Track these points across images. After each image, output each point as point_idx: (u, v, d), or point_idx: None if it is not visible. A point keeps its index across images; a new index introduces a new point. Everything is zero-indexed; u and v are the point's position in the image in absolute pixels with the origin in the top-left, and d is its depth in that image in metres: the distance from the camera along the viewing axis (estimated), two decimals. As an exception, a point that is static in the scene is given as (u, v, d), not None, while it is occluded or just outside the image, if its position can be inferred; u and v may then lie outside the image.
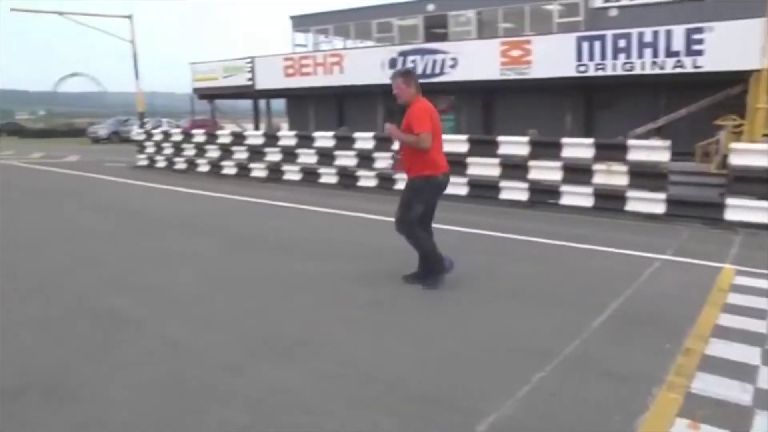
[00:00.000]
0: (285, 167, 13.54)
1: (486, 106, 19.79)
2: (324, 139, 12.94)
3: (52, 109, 69.99)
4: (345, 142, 12.46)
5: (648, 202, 8.58)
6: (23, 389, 3.43)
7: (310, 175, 12.97)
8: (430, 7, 22.13)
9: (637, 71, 14.97)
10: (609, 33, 15.41)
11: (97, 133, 39.21)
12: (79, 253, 6.96)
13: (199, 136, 16.39)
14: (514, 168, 9.88)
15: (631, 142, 9.16)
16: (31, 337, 4.29)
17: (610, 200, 8.95)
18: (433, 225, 5.49)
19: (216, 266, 6.23)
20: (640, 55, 14.83)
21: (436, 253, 5.35)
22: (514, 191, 9.84)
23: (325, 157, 12.73)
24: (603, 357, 3.72)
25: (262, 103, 26.59)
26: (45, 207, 11.14)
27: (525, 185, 9.73)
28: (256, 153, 14.36)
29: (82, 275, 5.98)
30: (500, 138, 10.28)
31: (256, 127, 24.21)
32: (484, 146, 10.34)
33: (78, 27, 20.70)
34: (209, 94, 26.87)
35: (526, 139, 9.84)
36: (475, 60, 17.62)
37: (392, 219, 5.36)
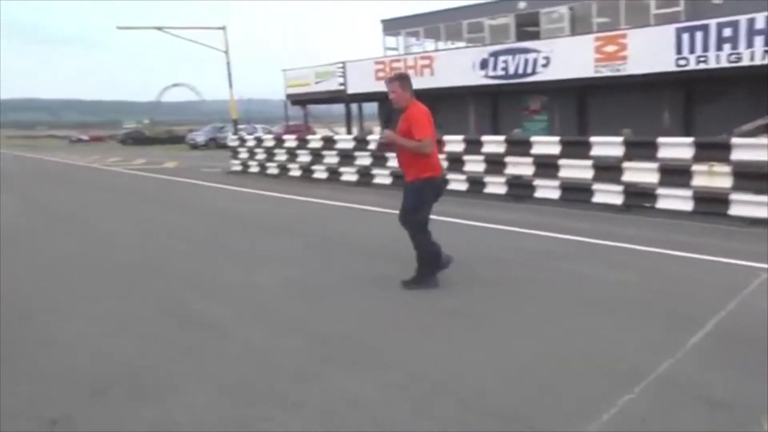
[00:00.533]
0: (375, 171, 13.61)
1: (579, 105, 19.15)
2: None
3: (155, 117, 73.97)
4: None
5: (754, 206, 7.96)
6: (109, 385, 3.58)
7: (399, 179, 12.92)
8: (522, 5, 21.69)
9: (745, 62, 14.02)
10: (713, 22, 14.50)
11: (195, 140, 41.05)
12: (169, 254, 7.30)
13: (291, 141, 16.77)
14: (608, 170, 9.45)
15: (735, 140, 8.56)
16: (119, 334, 4.51)
17: (711, 204, 8.37)
18: (526, 230, 5.39)
19: (300, 270, 6.30)
20: (750, 45, 13.88)
21: (436, 254, 5.41)
22: (608, 194, 9.41)
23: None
24: (700, 380, 3.41)
25: (354, 107, 26.94)
26: (141, 210, 11.73)
27: (619, 188, 9.28)
28: (346, 157, 14.51)
29: (171, 275, 6.25)
30: (593, 138, 9.89)
31: (349, 132, 24.56)
32: (575, 147, 9.98)
33: (177, 40, 21.78)
34: (302, 100, 27.52)
35: (619, 139, 9.43)
36: (568, 58, 17.12)
37: (483, 224, 5.28)
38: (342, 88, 24.16)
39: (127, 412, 3.26)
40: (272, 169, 17.16)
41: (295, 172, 16.17)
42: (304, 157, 15.98)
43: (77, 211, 12.19)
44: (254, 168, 18.06)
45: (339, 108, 28.40)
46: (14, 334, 4.61)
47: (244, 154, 18.78)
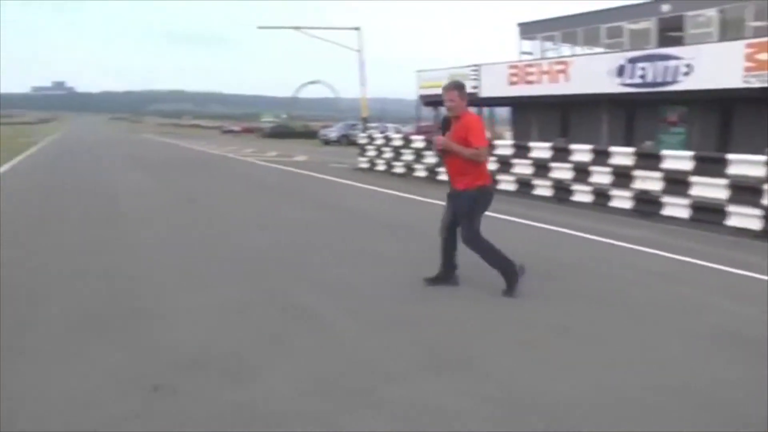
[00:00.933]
0: (499, 177, 13.62)
1: (722, 119, 17.96)
2: (540, 149, 12.84)
3: (291, 112, 77.31)
4: (562, 153, 12.25)
5: None
6: (207, 363, 3.96)
7: (523, 186, 12.91)
8: (665, 7, 20.64)
9: None
10: None
11: (328, 136, 42.64)
12: (284, 245, 7.75)
13: (418, 141, 17.12)
14: (746, 191, 8.90)
15: None
16: (222, 317, 4.92)
17: None
18: (648, 249, 5.29)
19: (409, 270, 6.41)
20: None
21: (505, 256, 5.53)
22: (744, 218, 8.78)
23: (541, 168, 12.59)
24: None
25: (486, 111, 26.91)
26: (264, 200, 12.49)
27: (758, 212, 8.60)
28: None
29: (283, 266, 6.64)
30: (730, 156, 9.32)
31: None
32: (710, 164, 9.44)
33: (314, 39, 22.88)
34: (433, 101, 27.78)
35: (763, 158, 8.86)
36: (713, 66, 16.09)
37: (602, 239, 5.24)
38: (475, 91, 24.19)
39: (217, 390, 3.57)
40: (398, 168, 17.58)
41: (421, 172, 16.49)
42: (430, 159, 16.27)
43: (206, 197, 13.28)
44: (381, 166, 18.58)
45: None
46: (128, 306, 5.16)
47: (371, 152, 19.38)
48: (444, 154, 5.70)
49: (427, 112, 30.56)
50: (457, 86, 5.58)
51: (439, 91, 24.21)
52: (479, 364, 4.02)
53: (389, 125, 40.62)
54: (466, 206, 5.52)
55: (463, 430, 3.14)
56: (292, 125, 62.39)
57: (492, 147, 14.44)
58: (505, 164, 13.48)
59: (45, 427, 3.11)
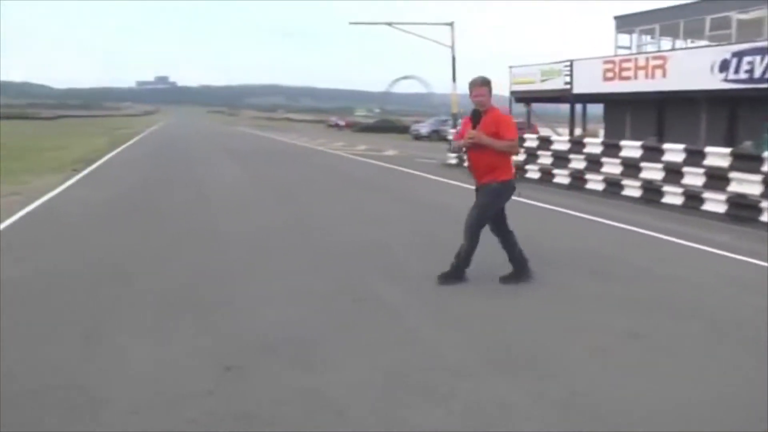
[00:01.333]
0: (588, 176, 13.35)
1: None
2: (630, 148, 12.47)
3: (384, 107, 77.91)
4: (652, 153, 11.86)
5: None
6: (277, 348, 4.20)
7: (612, 186, 12.58)
8: (781, -6, 19.34)
9: None
10: None
11: (419, 131, 42.69)
12: (362, 237, 7.98)
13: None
14: None
15: None
16: (296, 305, 5.20)
17: None
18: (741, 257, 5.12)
19: (485, 267, 6.31)
20: None
21: (470, 257, 5.80)
22: None
23: (631, 168, 12.23)
24: None
25: (579, 107, 26.23)
26: (348, 193, 12.79)
27: None
28: (560, 159, 14.40)
29: (360, 257, 6.85)
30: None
31: (571, 133, 24.04)
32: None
33: (406, 34, 22.92)
34: (525, 98, 27.36)
35: None
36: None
37: (692, 244, 5.08)
38: (567, 87, 23.65)
39: (286, 374, 3.79)
40: (486, 165, 17.51)
41: (508, 170, 16.35)
42: (518, 156, 16.12)
43: (291, 188, 13.79)
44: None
45: (563, 108, 27.79)
46: (211, 292, 5.50)
47: (461, 149, 19.40)
48: (472, 149, 5.79)
49: (519, 108, 30.07)
50: (485, 82, 5.77)
51: (530, 87, 23.89)
52: (545, 365, 4.05)
53: None
54: (489, 199, 5.78)
55: (521, 427, 3.21)
56: (393, 120, 62.95)
57: (522, 141, 14.18)
58: (593, 163, 13.17)
59: (129, 397, 3.45)
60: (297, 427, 3.18)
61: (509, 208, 6.06)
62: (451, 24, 22.48)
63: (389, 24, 24.10)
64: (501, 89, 32.37)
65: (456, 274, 5.88)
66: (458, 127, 5.80)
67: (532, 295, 5.63)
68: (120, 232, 8.25)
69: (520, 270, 5.95)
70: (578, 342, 4.50)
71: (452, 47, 22.21)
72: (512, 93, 27.89)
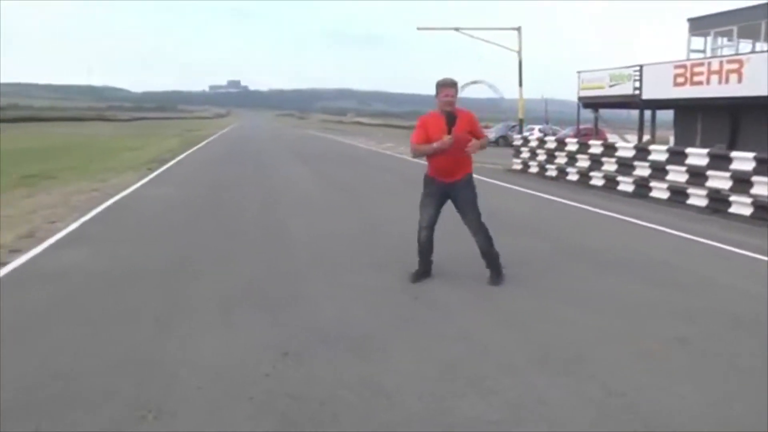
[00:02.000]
0: (652, 183, 13.10)
1: None
2: (696, 156, 12.17)
3: (454, 112, 77.68)
4: (720, 161, 11.54)
5: None
6: (336, 339, 4.43)
7: (677, 194, 12.29)
8: None
9: None
10: None
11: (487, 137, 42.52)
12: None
13: (572, 144, 16.82)
14: None
15: None
16: (357, 300, 5.46)
17: None
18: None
19: (537, 271, 6.56)
20: None
21: (494, 246, 6.20)
22: None
23: (697, 176, 11.93)
24: None
25: (648, 113, 25.63)
26: (409, 194, 12.84)
27: None
28: (624, 166, 14.17)
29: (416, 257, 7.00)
30: None
31: (640, 139, 23.54)
32: None
33: (474, 39, 22.87)
34: (593, 103, 26.93)
35: None
36: None
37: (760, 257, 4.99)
38: (636, 92, 23.17)
39: (342, 362, 4.02)
40: (551, 171, 17.37)
41: (573, 176, 16.20)
42: (582, 162, 15.96)
43: (356, 189, 14.16)
44: (533, 168, 18.44)
45: (632, 113, 27.17)
46: (271, 287, 5.76)
47: (525, 154, 19.29)
48: (450, 148, 5.80)
49: (587, 113, 29.58)
50: (454, 83, 5.87)
51: (598, 92, 23.43)
52: (587, 365, 4.10)
53: (555, 127, 39.75)
54: (473, 190, 6.13)
55: (557, 423, 3.31)
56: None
57: (587, 147, 13.90)
58: (658, 170, 12.93)
59: (194, 375, 3.75)
60: (348, 408, 3.38)
61: (574, 217, 6.08)
62: (518, 29, 22.37)
63: (456, 29, 24.13)
64: (569, 94, 31.93)
65: (496, 269, 6.12)
66: (449, 138, 5.69)
67: (585, 299, 5.66)
68: (190, 229, 8.71)
69: (429, 269, 6.30)
70: (625, 346, 4.51)
71: (519, 52, 22.09)
72: (580, 99, 27.49)
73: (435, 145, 5.81)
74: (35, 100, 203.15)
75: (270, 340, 4.40)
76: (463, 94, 76.59)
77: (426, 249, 6.21)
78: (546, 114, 62.73)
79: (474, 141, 5.88)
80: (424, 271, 6.22)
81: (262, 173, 17.12)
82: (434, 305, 5.37)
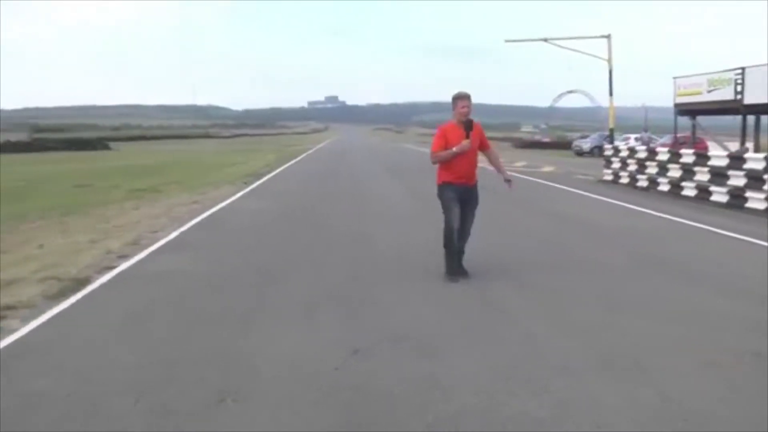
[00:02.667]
0: (748, 194, 12.58)
1: None
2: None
3: (550, 122, 76.54)
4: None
5: None
6: (402, 339, 4.73)
7: (776, 204, 11.77)
8: None
9: None
10: None
11: (581, 147, 41.50)
12: (497, 247, 8.38)
13: (662, 153, 16.40)
14: None
15: None
16: (426, 304, 5.74)
17: None
18: None
19: (610, 281, 6.62)
20: None
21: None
22: None
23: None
24: None
25: (750, 119, 24.45)
26: (494, 206, 12.90)
27: None
28: (717, 175, 13.69)
29: (492, 266, 7.16)
30: None
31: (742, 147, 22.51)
32: None
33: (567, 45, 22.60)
34: (690, 110, 25.99)
35: None
36: None
37: None
38: (738, 97, 22.19)
39: (406, 360, 4.32)
40: (642, 181, 17.00)
41: (664, 186, 15.79)
42: (674, 172, 15.53)
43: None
44: (624, 179, 18.09)
45: (733, 120, 25.90)
46: (352, 292, 6.11)
47: (616, 164, 18.94)
48: (463, 155, 6.48)
49: (684, 121, 28.46)
50: (468, 95, 6.52)
51: (695, 99, 22.67)
52: (647, 372, 4.15)
53: (653, 136, 38.29)
54: (477, 198, 6.82)
55: (607, 425, 3.42)
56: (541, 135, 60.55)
57: (678, 156, 13.36)
58: (754, 180, 12.42)
59: (270, 367, 4.16)
60: (406, 400, 3.66)
61: (657, 228, 6.09)
62: (608, 36, 22.02)
63: (545, 40, 24.05)
64: (664, 100, 30.83)
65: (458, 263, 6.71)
66: (468, 141, 6.46)
67: (656, 309, 5.67)
68: (280, 237, 9.31)
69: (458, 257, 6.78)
70: (690, 355, 4.50)
71: (609, 60, 21.73)
72: (676, 105, 26.58)
73: (455, 149, 6.42)
74: (145, 119, 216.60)
75: (343, 339, 4.76)
76: (560, 103, 74.92)
77: (454, 246, 6.69)
78: (645, 122, 60.66)
79: (500, 167, 6.98)
80: (457, 268, 6.70)
81: (351, 186, 17.72)
82: (502, 311, 5.58)
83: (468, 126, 6.42)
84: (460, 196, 6.61)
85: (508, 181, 6.91)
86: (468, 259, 6.92)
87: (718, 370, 4.23)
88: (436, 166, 6.75)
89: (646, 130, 36.49)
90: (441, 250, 6.83)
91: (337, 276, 6.88)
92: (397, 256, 7.93)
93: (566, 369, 4.20)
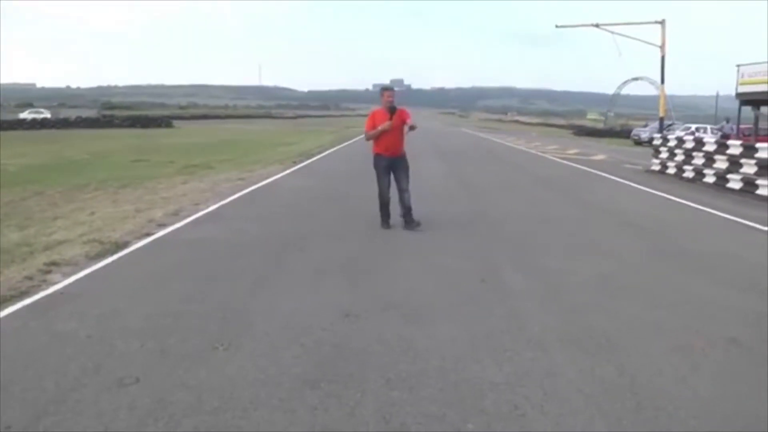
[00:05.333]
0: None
1: None
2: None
3: (614, 110, 74.83)
4: None
5: None
6: (395, 307, 4.96)
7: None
8: None
9: None
10: None
11: (639, 136, 40.53)
12: (522, 233, 8.54)
13: (709, 144, 16.11)
14: None
15: None
16: (431, 278, 5.84)
17: None
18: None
19: (615, 268, 6.74)
20: None
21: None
22: None
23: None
24: None
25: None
26: (536, 193, 13.08)
27: None
28: (765, 168, 13.44)
29: (508, 248, 7.29)
30: None
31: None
32: None
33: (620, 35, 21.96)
34: (754, 99, 25.09)
35: None
36: None
37: None
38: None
39: (391, 325, 4.63)
40: (688, 172, 16.75)
41: (710, 178, 15.55)
42: (720, 164, 15.27)
43: (481, 183, 14.73)
44: (671, 169, 17.83)
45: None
46: (362, 264, 6.41)
47: (664, 154, 18.66)
48: (389, 133, 8.39)
49: (747, 111, 27.38)
50: (392, 88, 8.77)
51: (760, 88, 21.64)
52: (616, 351, 4.40)
53: (732, 126, 36.68)
54: (407, 165, 8.70)
55: (562, 395, 3.75)
56: (605, 123, 59.42)
57: (725, 147, 13.08)
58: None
59: (266, 324, 4.63)
60: (376, 357, 4.07)
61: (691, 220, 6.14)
62: (662, 22, 21.46)
63: (596, 25, 23.65)
64: (726, 88, 29.43)
65: (410, 218, 8.48)
66: (390, 122, 8.36)
67: (651, 295, 5.81)
68: (313, 212, 9.82)
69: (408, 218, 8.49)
70: (665, 339, 4.64)
71: (662, 47, 21.22)
72: (738, 95, 25.69)
73: (380, 127, 8.39)
74: (211, 99, 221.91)
75: (340, 304, 5.20)
76: (625, 90, 72.66)
77: (387, 205, 8.58)
78: (715, 112, 58.36)
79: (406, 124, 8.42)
80: (388, 221, 8.57)
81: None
82: (498, 289, 5.85)
83: (391, 111, 8.36)
84: (390, 164, 8.57)
85: (412, 128, 8.40)
86: (484, 244, 7.15)
87: (686, 353, 4.39)
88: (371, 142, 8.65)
89: (728, 120, 34.43)
90: (459, 231, 7.46)
91: (355, 246, 7.43)
92: (416, 233, 8.28)
93: (539, 342, 4.47)
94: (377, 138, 8.48)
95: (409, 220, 8.47)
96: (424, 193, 11.39)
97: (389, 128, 8.35)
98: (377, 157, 8.60)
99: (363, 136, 9.61)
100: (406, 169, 8.65)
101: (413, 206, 8.54)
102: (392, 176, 8.58)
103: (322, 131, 45.90)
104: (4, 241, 7.43)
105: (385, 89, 8.61)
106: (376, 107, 8.80)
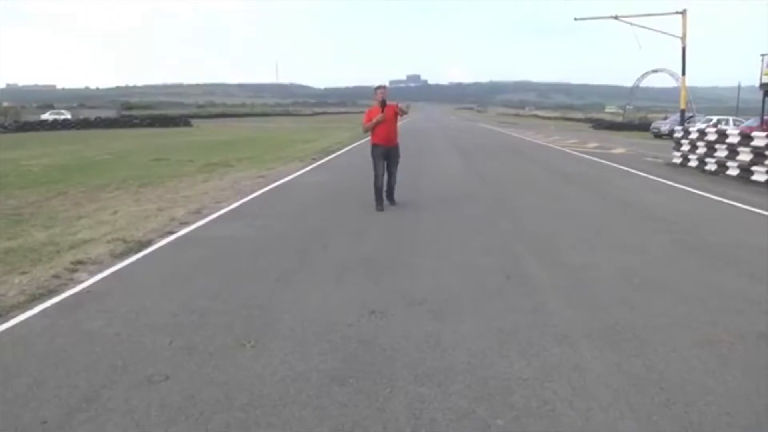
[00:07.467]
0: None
1: None
2: None
3: (633, 103, 74.06)
4: None
5: None
6: (420, 303, 5.03)
7: None
8: None
9: None
10: None
11: (659, 129, 40.03)
12: (540, 227, 8.34)
13: (733, 136, 15.89)
14: None
15: None
16: (457, 274, 5.80)
17: None
18: None
19: (638, 262, 6.67)
20: None
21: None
22: None
23: None
24: None
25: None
26: (553, 186, 12.96)
27: None
28: (791, 160, 13.25)
29: (532, 243, 7.26)
30: None
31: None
32: None
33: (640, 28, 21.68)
34: (776, 91, 24.68)
35: None
36: None
37: None
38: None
39: (417, 321, 4.61)
40: (710, 165, 16.55)
41: (733, 170, 15.34)
42: (744, 156, 15.05)
43: (500, 178, 14.71)
44: (693, 162, 17.62)
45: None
46: (385, 260, 6.41)
47: (685, 147, 18.44)
48: (384, 124, 9.74)
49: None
50: (383, 86, 10.10)
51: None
52: (641, 345, 4.37)
53: (730, 118, 36.27)
54: (399, 154, 10.17)
55: (589, 388, 3.73)
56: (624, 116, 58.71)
57: (750, 139, 12.78)
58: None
59: (293, 319, 4.65)
60: (405, 355, 4.07)
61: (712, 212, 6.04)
62: (683, 12, 21.15)
63: (616, 17, 23.38)
64: (749, 79, 28.91)
65: (392, 198, 10.18)
66: (382, 115, 9.75)
67: (677, 289, 5.77)
68: (332, 209, 9.84)
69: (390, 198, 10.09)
70: (693, 333, 4.61)
71: (683, 38, 20.92)
72: (762, 86, 25.27)
73: (374, 119, 9.71)
74: (229, 98, 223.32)
75: (365, 300, 5.22)
76: (644, 83, 71.77)
77: (381, 190, 9.85)
78: (737, 104, 57.58)
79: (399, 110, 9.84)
80: (381, 204, 9.77)
81: (414, 163, 17.96)
82: (523, 284, 5.82)
83: (382, 105, 9.71)
84: (385, 153, 9.93)
85: (403, 112, 9.97)
86: (504, 239, 7.10)
87: (714, 347, 4.35)
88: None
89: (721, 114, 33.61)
90: (478, 225, 7.25)
91: (376, 243, 7.43)
92: (436, 229, 8.28)
93: (565, 336, 4.46)
94: (374, 130, 9.84)
95: (391, 197, 10.13)
96: (449, 192, 11.31)
97: (382, 120, 9.73)
98: (375, 146, 9.96)
99: None
100: (398, 157, 10.16)
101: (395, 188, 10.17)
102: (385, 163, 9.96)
103: (340, 128, 45.90)
104: (30, 240, 7.54)
105: (377, 87, 10.03)
106: (371, 107, 10.14)
